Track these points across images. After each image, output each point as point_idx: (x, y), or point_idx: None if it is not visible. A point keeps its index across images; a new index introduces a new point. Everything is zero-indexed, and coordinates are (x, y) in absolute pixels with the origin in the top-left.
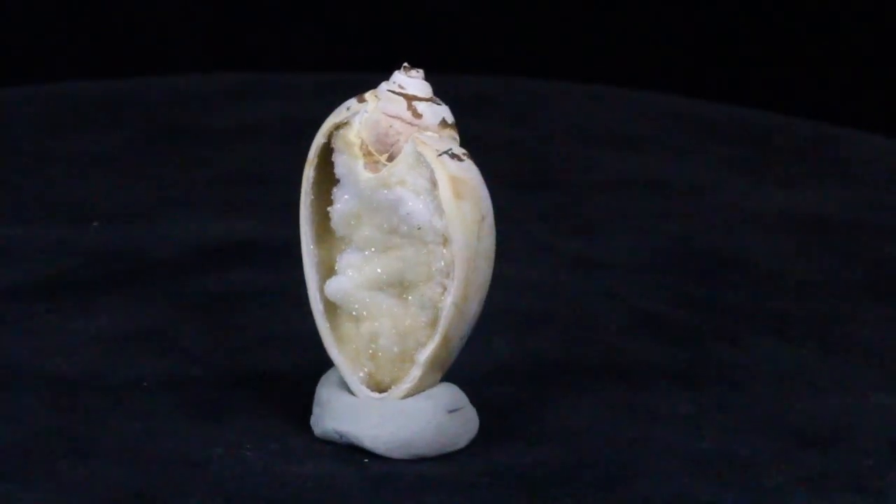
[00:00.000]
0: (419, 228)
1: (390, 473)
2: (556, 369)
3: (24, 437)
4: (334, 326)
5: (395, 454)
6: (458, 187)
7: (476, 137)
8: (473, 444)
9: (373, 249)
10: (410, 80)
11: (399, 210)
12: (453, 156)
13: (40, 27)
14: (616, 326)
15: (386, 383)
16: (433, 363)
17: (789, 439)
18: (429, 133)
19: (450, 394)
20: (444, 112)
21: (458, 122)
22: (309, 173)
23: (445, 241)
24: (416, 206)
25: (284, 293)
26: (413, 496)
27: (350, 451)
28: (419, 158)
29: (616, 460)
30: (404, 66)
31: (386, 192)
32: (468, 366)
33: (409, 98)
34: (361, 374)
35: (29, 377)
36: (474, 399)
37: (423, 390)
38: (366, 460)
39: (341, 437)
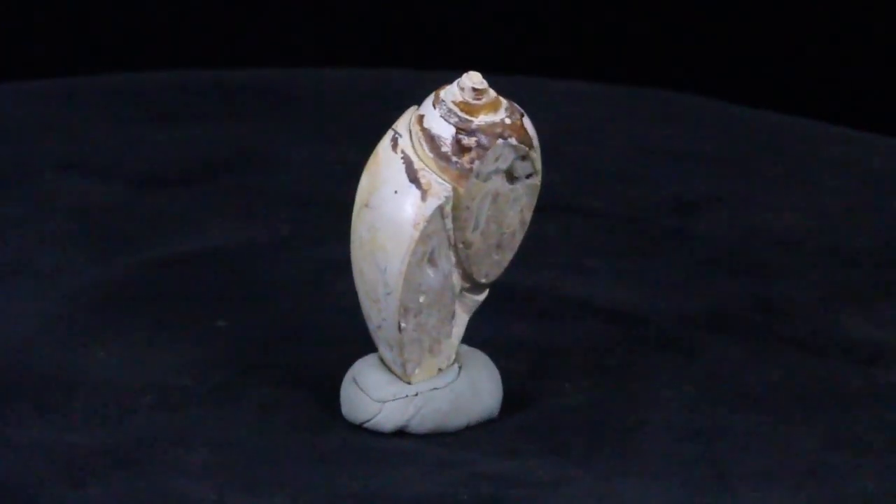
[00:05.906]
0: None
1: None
2: None
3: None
4: None
5: None
6: (370, 159)
7: None
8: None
9: None
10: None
11: None
12: (393, 139)
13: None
14: None
15: None
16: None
17: None
18: (410, 112)
19: (372, 374)
20: (428, 114)
21: None
22: None
23: None
24: None
25: None
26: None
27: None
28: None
29: None
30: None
31: None
32: None
33: (439, 89)
34: None
35: None
36: None
37: (380, 357)
38: None
39: None
